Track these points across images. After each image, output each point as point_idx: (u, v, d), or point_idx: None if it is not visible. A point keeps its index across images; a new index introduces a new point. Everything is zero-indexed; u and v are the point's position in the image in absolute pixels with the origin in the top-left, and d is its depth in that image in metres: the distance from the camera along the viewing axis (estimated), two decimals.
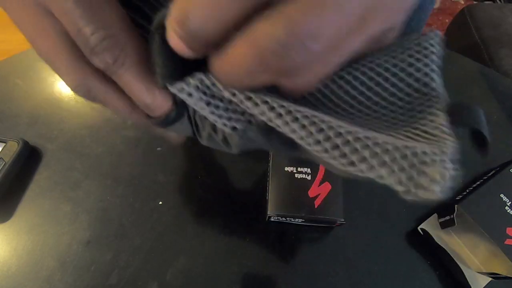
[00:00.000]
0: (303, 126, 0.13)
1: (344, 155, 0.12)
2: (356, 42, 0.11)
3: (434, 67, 0.16)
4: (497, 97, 0.46)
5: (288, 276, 0.32)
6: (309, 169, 0.33)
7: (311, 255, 0.33)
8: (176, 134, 0.21)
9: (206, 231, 0.34)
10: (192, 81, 0.14)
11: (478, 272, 0.31)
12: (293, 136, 0.13)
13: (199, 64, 0.14)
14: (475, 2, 1.06)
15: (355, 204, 0.36)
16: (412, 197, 0.11)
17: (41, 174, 0.36)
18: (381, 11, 0.11)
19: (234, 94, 0.14)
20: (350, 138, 0.12)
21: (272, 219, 0.33)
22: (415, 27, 0.55)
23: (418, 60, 0.16)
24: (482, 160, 0.40)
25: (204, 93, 0.14)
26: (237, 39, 0.11)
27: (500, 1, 1.32)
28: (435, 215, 0.35)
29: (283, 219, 0.32)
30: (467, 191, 0.35)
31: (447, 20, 1.62)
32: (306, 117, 0.13)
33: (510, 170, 0.35)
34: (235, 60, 0.11)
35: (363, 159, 0.12)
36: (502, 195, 0.33)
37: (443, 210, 0.35)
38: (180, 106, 0.17)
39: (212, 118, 0.15)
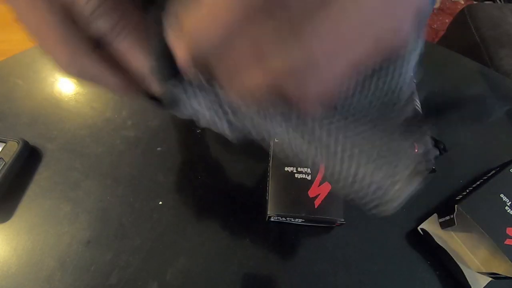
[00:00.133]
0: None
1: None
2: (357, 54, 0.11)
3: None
4: (497, 97, 0.46)
5: (288, 276, 0.32)
6: (309, 169, 0.33)
7: (311, 255, 0.33)
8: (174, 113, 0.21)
9: (206, 231, 0.34)
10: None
11: (478, 272, 0.31)
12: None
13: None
14: (475, 2, 1.06)
15: (355, 204, 0.36)
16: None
17: (41, 174, 0.36)
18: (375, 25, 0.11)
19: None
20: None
21: (272, 219, 0.33)
22: None
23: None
24: (481, 160, 0.40)
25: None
26: (250, 66, 0.11)
27: (500, 1, 1.32)
28: (435, 215, 0.35)
29: (283, 219, 0.32)
30: (467, 191, 0.35)
31: (447, 20, 1.62)
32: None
33: (510, 170, 0.35)
34: (245, 85, 0.11)
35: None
36: (502, 195, 0.33)
37: (443, 210, 0.35)
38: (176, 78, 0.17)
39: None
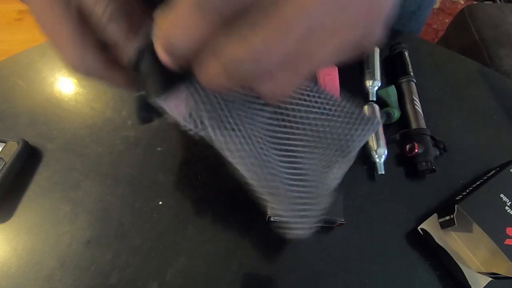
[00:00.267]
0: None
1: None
2: (322, 53, 0.13)
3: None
4: (497, 97, 0.46)
5: (288, 276, 0.32)
6: None
7: (311, 255, 0.33)
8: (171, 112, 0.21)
9: (206, 231, 0.34)
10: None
11: (478, 272, 0.31)
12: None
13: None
14: (475, 2, 1.06)
15: (355, 204, 0.36)
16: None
17: (41, 174, 0.36)
18: (342, 25, 0.13)
19: None
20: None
21: (272, 219, 0.33)
22: (415, 27, 0.55)
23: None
24: (481, 160, 0.40)
25: None
26: (209, 58, 0.13)
27: (500, 1, 1.32)
28: (435, 215, 0.35)
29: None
30: (467, 191, 0.35)
31: (447, 20, 1.62)
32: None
33: (510, 170, 0.35)
34: (209, 74, 0.13)
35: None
36: (502, 195, 0.33)
37: (443, 210, 0.35)
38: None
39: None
